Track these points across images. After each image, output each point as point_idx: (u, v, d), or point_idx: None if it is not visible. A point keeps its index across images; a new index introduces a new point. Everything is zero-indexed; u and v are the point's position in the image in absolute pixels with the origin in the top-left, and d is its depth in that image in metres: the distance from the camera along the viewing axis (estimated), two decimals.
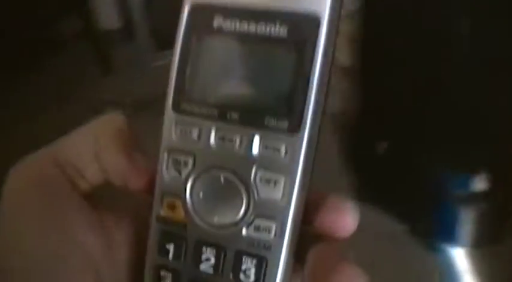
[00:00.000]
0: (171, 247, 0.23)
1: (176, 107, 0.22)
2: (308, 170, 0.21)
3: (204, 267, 0.22)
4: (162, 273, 0.23)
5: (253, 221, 0.22)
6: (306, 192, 0.22)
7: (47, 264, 0.22)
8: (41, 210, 0.22)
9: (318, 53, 0.20)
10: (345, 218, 0.21)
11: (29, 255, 0.22)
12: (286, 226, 0.21)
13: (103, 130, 0.24)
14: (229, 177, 0.22)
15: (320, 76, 0.21)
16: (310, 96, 0.20)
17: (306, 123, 0.21)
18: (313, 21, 0.20)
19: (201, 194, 0.22)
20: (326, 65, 0.21)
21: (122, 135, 0.24)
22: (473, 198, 0.85)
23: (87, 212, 0.23)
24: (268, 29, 0.21)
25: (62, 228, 0.22)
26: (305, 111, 0.20)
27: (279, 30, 0.20)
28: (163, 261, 0.23)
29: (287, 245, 0.21)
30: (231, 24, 0.21)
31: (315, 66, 0.20)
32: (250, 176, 0.21)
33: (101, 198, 0.25)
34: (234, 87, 0.22)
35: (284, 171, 0.21)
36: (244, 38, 0.21)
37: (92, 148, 0.24)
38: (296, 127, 0.21)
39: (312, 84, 0.20)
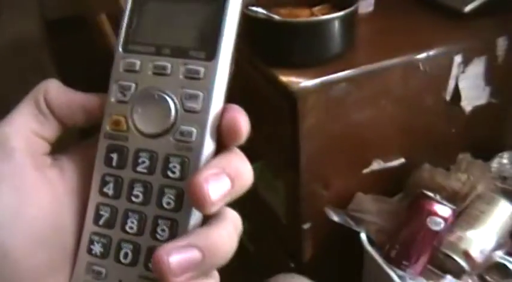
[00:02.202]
0: (114, 156, 0.28)
1: (124, 47, 0.29)
2: (222, 88, 0.27)
3: (140, 169, 0.27)
4: (107, 178, 0.28)
5: (178, 128, 0.27)
6: (220, 106, 0.27)
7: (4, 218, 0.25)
8: (5, 180, 0.26)
9: (227, 5, 0.27)
10: (236, 125, 0.26)
11: None
12: (204, 131, 0.27)
13: (46, 88, 0.28)
14: (161, 95, 0.27)
15: (230, 19, 0.27)
16: (222, 34, 0.27)
17: (219, 53, 0.27)
18: None
19: (139, 110, 0.28)
20: (235, 11, 0.27)
21: (65, 88, 0.29)
22: None
23: (34, 173, 0.26)
24: None
25: (11, 191, 0.26)
26: (218, 44, 0.27)
27: None
28: (108, 170, 0.28)
29: (206, 146, 0.27)
30: None
31: (226, 12, 0.27)
32: (177, 93, 0.27)
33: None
34: (166, 31, 0.28)
35: (202, 88, 0.27)
36: None
37: (43, 104, 0.28)
38: (212, 56, 0.27)
39: (223, 24, 0.27)
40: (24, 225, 0.26)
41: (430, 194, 0.87)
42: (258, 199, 1.02)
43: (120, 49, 0.29)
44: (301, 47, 0.82)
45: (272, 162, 0.98)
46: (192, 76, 0.27)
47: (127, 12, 0.29)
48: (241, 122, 0.26)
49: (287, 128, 0.85)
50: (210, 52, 0.27)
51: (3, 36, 1.52)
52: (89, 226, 0.28)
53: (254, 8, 0.85)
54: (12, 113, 0.28)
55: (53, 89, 0.28)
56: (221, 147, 0.27)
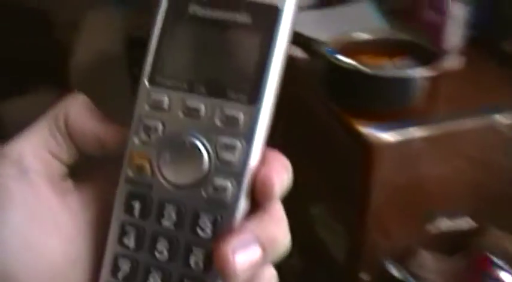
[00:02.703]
0: (136, 205, 0.25)
1: (151, 80, 0.25)
2: (262, 137, 0.24)
3: (166, 223, 0.25)
4: (127, 228, 0.25)
5: (211, 182, 0.24)
6: (260, 156, 0.24)
7: (11, 251, 0.23)
8: (18, 203, 0.24)
9: (276, 39, 0.24)
10: (271, 183, 0.24)
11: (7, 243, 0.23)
12: (240, 187, 0.24)
13: (69, 106, 0.26)
14: (193, 141, 0.24)
15: (276, 58, 0.24)
16: (267, 75, 0.24)
17: (262, 97, 0.24)
18: (274, 11, 0.24)
19: (167, 157, 0.25)
20: (282, 49, 0.24)
21: (88, 108, 0.26)
22: None
23: (54, 198, 0.25)
24: (235, 16, 0.24)
25: (28, 218, 0.24)
26: (262, 87, 0.24)
27: (245, 17, 0.24)
28: (129, 219, 0.25)
29: (241, 205, 0.24)
30: (204, 11, 0.25)
31: (272, 50, 0.24)
32: (212, 141, 0.24)
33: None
34: (202, 64, 0.25)
35: (241, 138, 0.24)
36: (214, 23, 0.25)
37: (62, 125, 0.25)
38: (254, 100, 0.24)
39: (270, 65, 0.24)
40: (37, 257, 0.24)
41: (495, 259, 0.85)
42: (314, 235, 1.03)
43: (146, 81, 0.25)
44: (382, 98, 0.84)
45: (335, 205, 0.98)
46: (229, 122, 0.24)
47: (155, 36, 0.25)
48: (277, 180, 0.24)
49: (356, 176, 0.86)
50: (253, 95, 0.24)
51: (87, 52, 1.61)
52: (106, 277, 0.25)
53: (335, 54, 0.88)
54: (29, 128, 0.25)
55: (75, 108, 0.26)
56: (253, 201, 0.24)
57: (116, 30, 1.71)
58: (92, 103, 0.27)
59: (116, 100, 1.58)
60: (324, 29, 1.03)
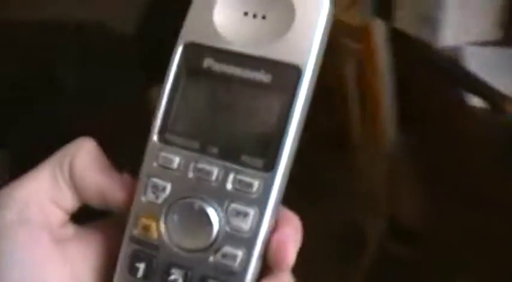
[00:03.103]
0: (141, 266, 0.24)
1: (161, 137, 0.24)
2: (276, 205, 0.23)
3: None
4: None
5: (221, 248, 0.23)
6: (272, 224, 0.23)
7: None
8: (15, 251, 0.24)
9: (296, 101, 0.23)
10: (286, 251, 0.23)
11: None
12: (251, 255, 0.23)
13: (76, 153, 0.25)
14: (203, 206, 0.23)
15: (296, 122, 0.23)
16: (285, 140, 0.22)
17: (279, 163, 0.23)
18: (296, 72, 0.23)
19: (175, 219, 0.24)
20: (303, 113, 0.23)
21: (96, 156, 0.25)
22: None
23: (52, 248, 0.24)
24: (253, 74, 0.23)
25: (26, 267, 0.23)
26: (279, 153, 0.22)
27: (264, 76, 0.23)
28: (133, 280, 0.24)
29: (251, 273, 0.23)
30: (219, 66, 0.23)
31: (293, 113, 0.23)
32: (223, 207, 0.23)
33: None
34: (217, 124, 0.23)
35: (254, 206, 0.23)
36: (230, 80, 0.23)
37: (66, 173, 0.25)
38: (270, 166, 0.23)
39: (288, 129, 0.23)
40: None
41: None
42: None
43: (155, 138, 0.24)
44: None
45: None
46: (243, 189, 0.23)
47: (167, 90, 0.24)
48: (289, 251, 0.23)
49: None
50: (269, 161, 0.23)
51: None
52: None
53: None
54: (34, 171, 0.25)
55: (82, 156, 0.25)
56: (265, 266, 0.24)
57: None
58: (99, 150, 0.26)
59: None
60: None
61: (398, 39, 1.11)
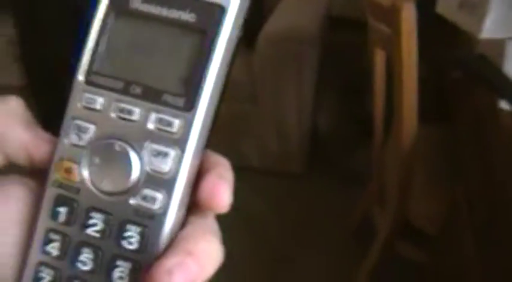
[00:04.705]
0: (63, 210, 0.23)
1: (85, 78, 0.23)
2: (199, 147, 0.22)
3: (91, 231, 0.23)
4: (51, 235, 0.24)
5: (141, 190, 0.22)
6: (195, 167, 0.23)
7: None
8: None
9: (217, 41, 0.22)
10: (220, 195, 0.22)
11: None
12: (171, 198, 0.22)
13: (1, 110, 0.25)
14: (123, 147, 0.23)
15: (219, 62, 0.22)
16: (206, 80, 0.22)
17: (199, 103, 0.22)
18: (218, 11, 0.22)
19: (96, 161, 0.23)
20: (226, 54, 0.22)
21: (20, 114, 0.25)
22: None
23: None
24: (178, 14, 0.22)
25: None
26: (200, 92, 0.22)
27: (188, 15, 0.22)
28: (54, 225, 0.24)
29: (172, 217, 0.22)
30: (146, 7, 0.23)
31: (214, 53, 0.22)
32: (143, 147, 0.22)
33: None
34: (141, 64, 0.23)
35: (175, 146, 0.22)
36: (156, 20, 0.23)
37: None
38: (190, 106, 0.22)
39: (209, 68, 0.22)
40: None
41: None
42: None
43: (80, 79, 0.23)
44: None
45: None
46: (163, 128, 0.22)
47: (94, 30, 0.23)
48: (222, 192, 0.22)
49: None
50: (190, 100, 0.22)
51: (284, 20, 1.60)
52: None
53: None
54: None
55: (6, 113, 0.24)
56: (194, 209, 0.23)
57: (316, 5, 1.67)
58: (25, 108, 0.25)
59: (294, 75, 1.56)
60: None
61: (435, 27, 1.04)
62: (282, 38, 1.53)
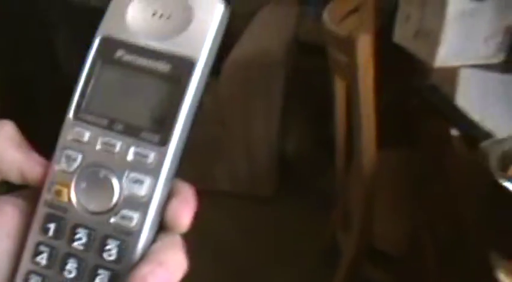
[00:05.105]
0: (52, 226, 0.27)
1: (75, 115, 0.27)
2: (170, 175, 0.26)
3: (77, 244, 0.27)
4: (41, 248, 0.27)
5: (120, 211, 0.26)
6: (166, 192, 0.27)
7: None
8: None
9: (188, 88, 0.26)
10: (182, 218, 0.26)
11: None
12: (145, 218, 0.26)
13: None
14: (106, 174, 0.27)
15: (188, 106, 0.26)
16: (177, 120, 0.26)
17: (171, 139, 0.26)
18: (190, 64, 0.26)
19: (83, 185, 0.27)
20: (195, 97, 0.26)
21: (14, 136, 0.28)
22: None
23: None
24: (156, 64, 0.27)
25: None
26: (172, 130, 0.26)
27: (164, 66, 0.27)
28: (43, 239, 0.27)
29: (146, 233, 0.26)
30: (129, 57, 0.27)
31: (184, 98, 0.26)
32: (123, 175, 0.26)
33: None
34: (123, 105, 0.27)
35: (150, 174, 0.26)
36: (137, 69, 0.27)
37: None
38: (164, 142, 0.26)
39: (180, 111, 0.26)
40: None
41: None
42: None
43: (71, 116, 0.27)
44: None
45: None
46: (140, 160, 0.26)
47: (82, 77, 0.28)
48: (185, 215, 0.26)
49: None
50: (164, 137, 0.26)
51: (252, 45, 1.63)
52: None
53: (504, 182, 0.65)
54: None
55: (2, 135, 0.28)
56: (163, 229, 0.27)
57: (284, 30, 1.70)
58: (18, 131, 0.28)
59: (262, 99, 1.58)
60: None
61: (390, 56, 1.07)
62: (250, 61, 1.55)
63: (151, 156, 0.26)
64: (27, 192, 0.29)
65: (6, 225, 0.27)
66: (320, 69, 1.43)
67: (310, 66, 1.65)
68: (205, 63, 0.27)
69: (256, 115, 1.60)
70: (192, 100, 0.26)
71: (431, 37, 1.03)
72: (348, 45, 0.92)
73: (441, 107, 0.83)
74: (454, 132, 0.83)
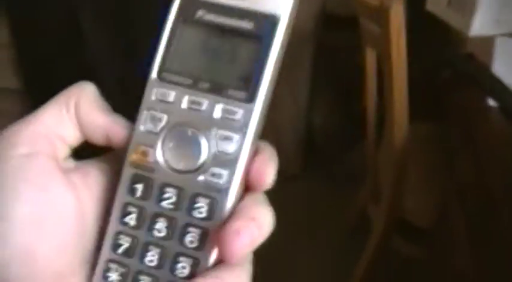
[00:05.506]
0: (139, 187, 0.27)
1: (159, 75, 0.27)
2: (256, 132, 0.27)
3: (166, 204, 0.27)
4: (129, 208, 0.27)
5: (209, 168, 0.26)
6: (252, 149, 0.27)
7: (25, 223, 0.26)
8: (31, 181, 0.27)
9: (272, 45, 0.26)
10: (265, 175, 0.27)
11: (9, 215, 0.26)
12: (234, 174, 0.26)
13: (80, 95, 0.28)
14: (194, 132, 0.27)
15: (273, 62, 0.26)
16: (263, 77, 0.26)
17: (258, 96, 0.26)
18: (273, 20, 0.26)
19: (170, 144, 0.27)
20: (278, 56, 0.27)
21: (97, 99, 0.29)
22: None
23: (60, 176, 0.27)
24: (238, 23, 0.27)
25: (39, 192, 0.26)
26: (258, 87, 0.26)
27: (247, 24, 0.27)
28: (131, 200, 0.27)
29: (234, 190, 0.26)
30: (210, 16, 0.27)
31: (269, 55, 0.26)
32: (211, 133, 0.26)
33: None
34: (207, 64, 0.27)
35: (238, 131, 0.26)
36: (219, 28, 0.27)
37: (72, 112, 0.28)
38: (251, 99, 0.26)
39: (265, 68, 0.26)
40: (48, 228, 0.26)
41: None
42: None
43: (155, 76, 0.28)
44: None
45: None
46: (228, 117, 0.26)
47: (165, 36, 0.28)
48: (269, 173, 0.27)
49: None
50: (250, 94, 0.26)
51: None
52: (107, 253, 0.28)
53: None
54: (41, 110, 0.28)
55: (85, 97, 0.28)
56: (247, 187, 0.27)
57: (312, 3, 1.68)
58: (99, 93, 0.29)
59: (289, 74, 1.57)
60: None
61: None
62: None
63: (239, 113, 0.26)
64: (110, 155, 0.29)
65: (92, 188, 0.28)
66: (347, 42, 1.41)
67: (337, 39, 1.63)
68: (289, 20, 0.27)
69: (284, 91, 1.59)
70: (277, 57, 0.26)
71: (467, 5, 1.01)
72: (380, 15, 0.90)
73: (478, 77, 0.80)
74: (491, 102, 0.81)
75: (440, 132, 1.11)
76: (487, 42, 0.98)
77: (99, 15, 1.30)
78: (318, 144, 1.73)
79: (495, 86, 0.78)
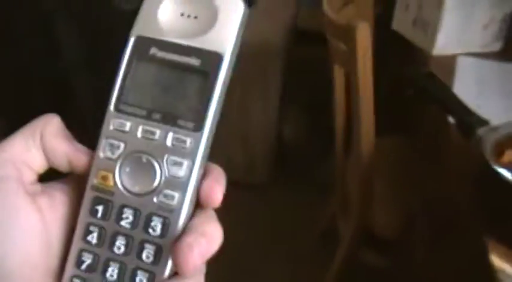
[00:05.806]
0: (100, 208, 0.30)
1: (116, 107, 0.30)
2: (204, 157, 0.30)
3: (124, 223, 0.30)
4: (91, 228, 0.30)
5: (162, 191, 0.29)
6: (201, 173, 0.30)
7: None
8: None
9: (217, 79, 0.29)
10: (214, 195, 0.29)
11: None
12: (185, 195, 0.29)
13: (45, 126, 0.31)
14: (149, 159, 0.30)
15: (218, 95, 0.29)
16: (209, 108, 0.29)
17: (205, 125, 0.29)
18: (218, 58, 0.29)
19: (127, 170, 0.30)
20: (223, 88, 0.30)
21: (61, 129, 0.31)
22: None
23: (27, 198, 0.29)
24: (187, 60, 0.30)
25: (5, 212, 0.29)
26: (205, 117, 0.29)
27: (195, 61, 0.30)
28: (93, 220, 0.30)
29: (186, 210, 0.29)
30: (162, 54, 0.30)
31: (215, 89, 0.29)
32: (164, 159, 0.29)
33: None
34: (159, 97, 0.30)
35: (187, 157, 0.29)
36: (169, 64, 0.30)
37: (38, 141, 0.30)
38: (198, 128, 0.29)
39: (211, 100, 0.29)
40: (13, 247, 0.28)
41: None
42: None
43: (112, 108, 0.30)
44: None
45: None
46: (179, 145, 0.29)
47: (121, 71, 0.30)
48: (217, 192, 0.29)
49: None
50: (198, 124, 0.29)
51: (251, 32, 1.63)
52: (71, 269, 0.30)
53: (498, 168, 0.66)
54: (10, 139, 0.30)
55: (50, 128, 0.31)
56: (198, 205, 0.30)
57: (282, 19, 1.71)
58: (63, 124, 0.31)
59: (259, 87, 1.59)
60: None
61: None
62: (247, 50, 1.56)
63: (188, 141, 0.29)
64: (75, 176, 0.31)
65: (57, 209, 0.30)
66: (318, 58, 1.44)
67: (307, 54, 1.66)
68: (231, 57, 0.30)
69: (254, 103, 1.60)
70: (221, 90, 0.29)
71: (430, 25, 1.05)
72: (347, 33, 0.93)
73: (438, 94, 0.84)
74: (451, 119, 0.85)
75: (406, 146, 1.15)
76: (449, 61, 1.03)
77: (75, 24, 1.29)
78: (287, 156, 1.75)
79: (453, 103, 0.81)
